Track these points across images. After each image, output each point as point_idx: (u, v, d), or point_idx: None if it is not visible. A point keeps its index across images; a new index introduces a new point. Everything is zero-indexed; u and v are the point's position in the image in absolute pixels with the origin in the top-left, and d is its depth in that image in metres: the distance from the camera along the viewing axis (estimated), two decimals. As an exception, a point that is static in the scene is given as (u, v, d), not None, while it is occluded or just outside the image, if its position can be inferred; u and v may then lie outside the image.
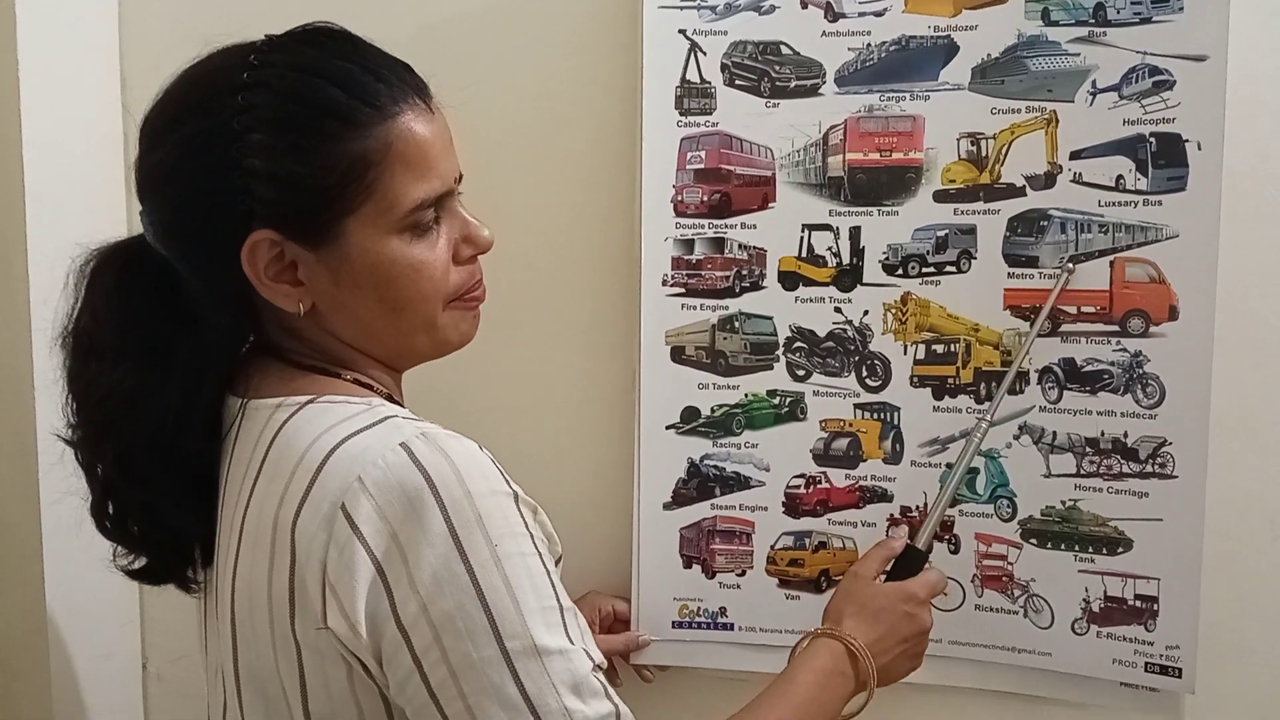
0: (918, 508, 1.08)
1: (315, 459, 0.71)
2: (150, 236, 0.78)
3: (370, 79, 0.74)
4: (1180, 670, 1.01)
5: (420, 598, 0.67)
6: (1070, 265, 1.01)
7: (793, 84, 1.06)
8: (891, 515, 1.09)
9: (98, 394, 0.77)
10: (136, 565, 0.84)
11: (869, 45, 1.05)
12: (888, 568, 0.98)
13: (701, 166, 1.08)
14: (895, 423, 1.08)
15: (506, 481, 0.72)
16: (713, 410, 1.10)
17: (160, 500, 0.78)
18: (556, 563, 0.76)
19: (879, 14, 1.04)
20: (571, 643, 0.69)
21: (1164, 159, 0.99)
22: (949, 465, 1.07)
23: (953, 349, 1.06)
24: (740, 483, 1.11)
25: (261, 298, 0.76)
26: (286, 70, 0.73)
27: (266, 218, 0.73)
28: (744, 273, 1.09)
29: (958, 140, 1.04)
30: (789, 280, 1.08)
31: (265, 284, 0.75)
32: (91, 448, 0.79)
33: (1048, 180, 1.03)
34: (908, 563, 0.98)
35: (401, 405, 0.83)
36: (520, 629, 0.67)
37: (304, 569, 0.70)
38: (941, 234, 1.05)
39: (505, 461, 0.74)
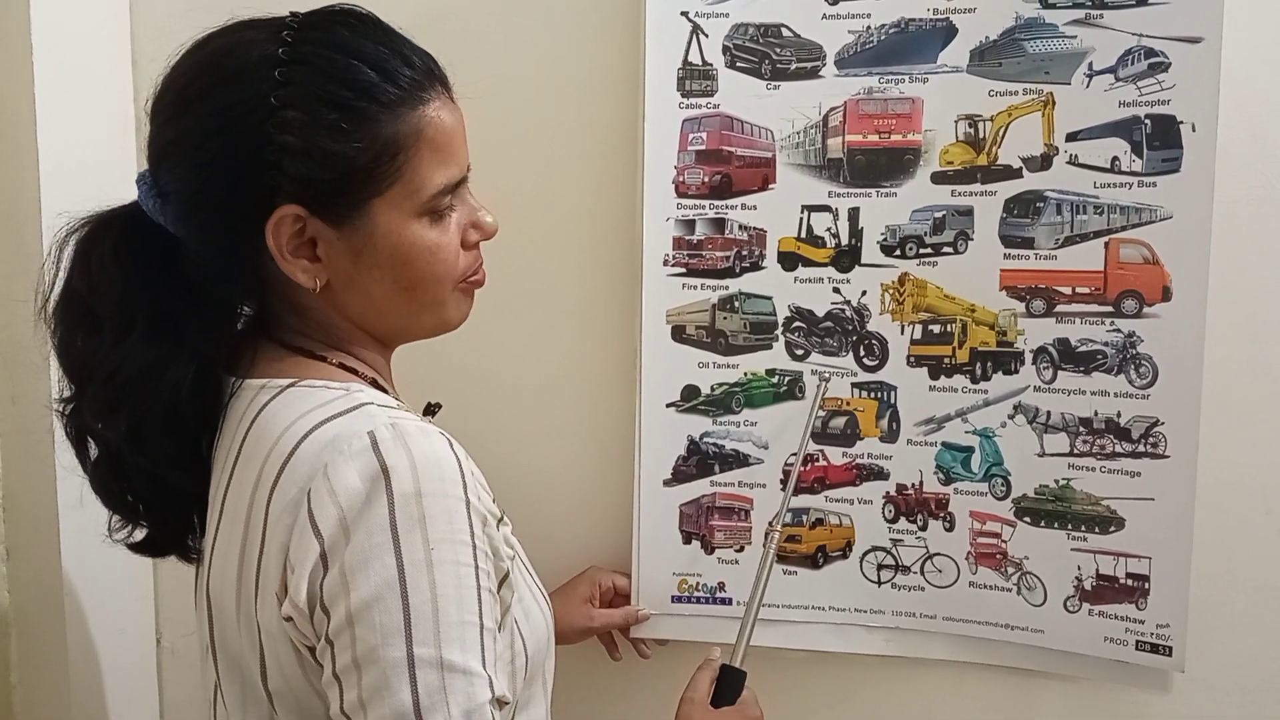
0: (913, 485, 1.10)
1: (288, 444, 0.72)
2: (154, 207, 0.77)
3: (403, 65, 0.76)
4: (1171, 649, 1.02)
5: (346, 580, 0.67)
6: (825, 379, 1.09)
7: (793, 66, 1.07)
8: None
9: (107, 367, 0.76)
10: (137, 537, 0.85)
11: (869, 28, 1.06)
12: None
13: (703, 148, 1.09)
14: (892, 401, 1.10)
15: (464, 486, 0.71)
16: (713, 389, 1.12)
17: (169, 470, 0.79)
18: (502, 580, 0.74)
19: (878, -4, 1.05)
20: (482, 665, 0.67)
21: (1159, 141, 1.00)
22: (944, 444, 1.08)
23: (949, 329, 1.08)
24: (739, 460, 1.12)
25: (272, 272, 0.77)
26: (325, 49, 0.74)
27: (293, 193, 0.73)
28: (744, 253, 1.10)
29: (956, 122, 1.05)
30: (788, 261, 1.10)
31: (286, 259, 0.76)
32: (101, 419, 0.78)
33: (1044, 162, 1.04)
34: (730, 682, 0.97)
35: (390, 386, 0.85)
36: (432, 637, 0.66)
37: (269, 552, 0.71)
38: (939, 215, 1.07)
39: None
